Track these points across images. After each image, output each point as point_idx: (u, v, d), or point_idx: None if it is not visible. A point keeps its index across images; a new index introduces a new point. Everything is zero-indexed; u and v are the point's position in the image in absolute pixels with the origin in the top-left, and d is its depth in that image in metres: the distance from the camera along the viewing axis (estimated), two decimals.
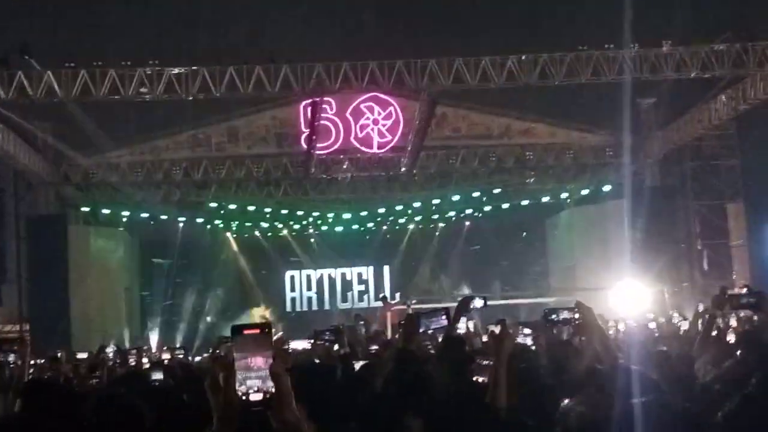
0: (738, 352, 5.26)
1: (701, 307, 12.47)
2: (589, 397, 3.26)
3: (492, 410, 4.27)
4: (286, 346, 10.33)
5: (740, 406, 3.37)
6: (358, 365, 6.48)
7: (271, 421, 2.52)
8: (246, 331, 2.56)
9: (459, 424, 4.17)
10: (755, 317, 6.98)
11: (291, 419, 2.52)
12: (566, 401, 3.33)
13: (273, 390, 2.51)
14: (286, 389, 2.53)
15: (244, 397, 2.51)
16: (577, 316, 5.27)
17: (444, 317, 6.32)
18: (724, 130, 24.55)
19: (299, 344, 10.00)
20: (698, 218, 25.84)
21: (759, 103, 21.55)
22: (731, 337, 7.01)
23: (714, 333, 6.45)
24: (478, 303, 6.56)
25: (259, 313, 25.99)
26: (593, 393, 3.38)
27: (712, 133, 24.56)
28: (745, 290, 5.47)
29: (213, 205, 26.83)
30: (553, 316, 5.83)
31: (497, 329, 5.38)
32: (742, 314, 8.41)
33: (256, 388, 2.51)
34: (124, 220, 26.71)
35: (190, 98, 22.15)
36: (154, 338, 25.89)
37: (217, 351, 9.98)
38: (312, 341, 9.01)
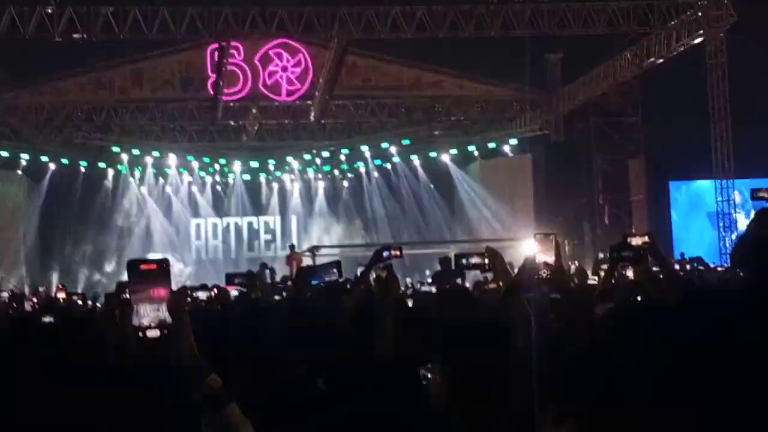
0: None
1: (601, 256, 12.78)
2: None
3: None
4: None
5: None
6: None
7: (169, 356, 2.48)
8: (143, 266, 2.51)
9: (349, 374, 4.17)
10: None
11: (188, 355, 2.49)
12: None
13: (170, 325, 2.46)
14: (183, 323, 2.48)
15: (140, 333, 2.46)
16: (486, 261, 5.33)
17: (335, 270, 6.35)
18: (627, 86, 25.02)
19: (202, 294, 9.84)
20: (601, 173, 26.38)
21: (662, 60, 22.00)
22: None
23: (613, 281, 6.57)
24: (393, 253, 6.57)
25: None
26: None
27: (616, 89, 25.00)
28: (646, 237, 5.55)
29: (116, 149, 26.23)
30: (464, 261, 5.87)
31: (383, 274, 5.43)
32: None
33: (154, 324, 2.47)
34: (24, 163, 25.91)
35: (93, 39, 21.57)
36: (53, 284, 25.32)
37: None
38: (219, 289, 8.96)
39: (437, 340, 3.77)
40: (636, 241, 5.38)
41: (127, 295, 2.57)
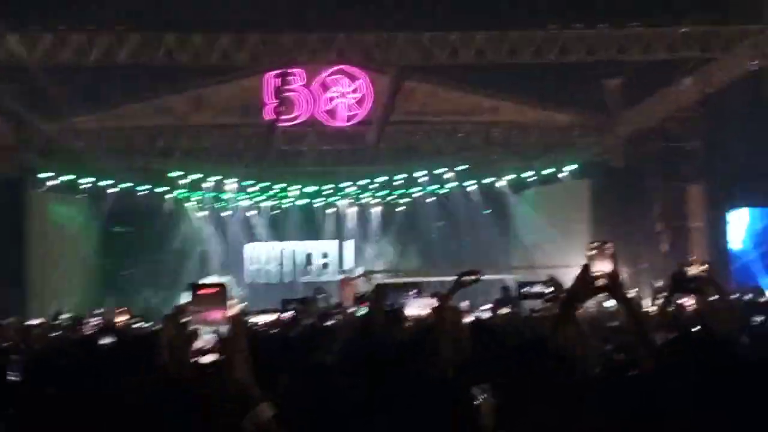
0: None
1: (659, 284, 12.62)
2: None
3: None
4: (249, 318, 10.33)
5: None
6: None
7: (221, 382, 2.50)
8: (201, 291, 2.55)
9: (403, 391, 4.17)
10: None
11: (240, 382, 2.50)
12: None
13: (225, 350, 2.49)
14: (239, 350, 2.50)
15: (193, 360, 2.49)
16: (550, 289, 5.30)
17: (415, 292, 6.37)
18: (689, 112, 24.70)
19: (265, 318, 9.89)
20: (660, 200, 26.05)
21: (724, 86, 21.71)
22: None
23: (670, 310, 6.48)
24: (471, 279, 6.70)
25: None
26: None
27: (677, 115, 24.71)
28: (705, 266, 5.48)
29: (175, 174, 26.60)
30: (526, 289, 5.84)
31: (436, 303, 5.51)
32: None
33: (208, 347, 2.50)
34: (85, 187, 26.37)
35: (156, 65, 21.94)
36: (111, 307, 25.65)
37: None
38: (278, 314, 9.07)
39: (489, 361, 3.76)
40: (693, 270, 5.28)
41: (186, 318, 2.61)
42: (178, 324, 2.50)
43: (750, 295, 13.83)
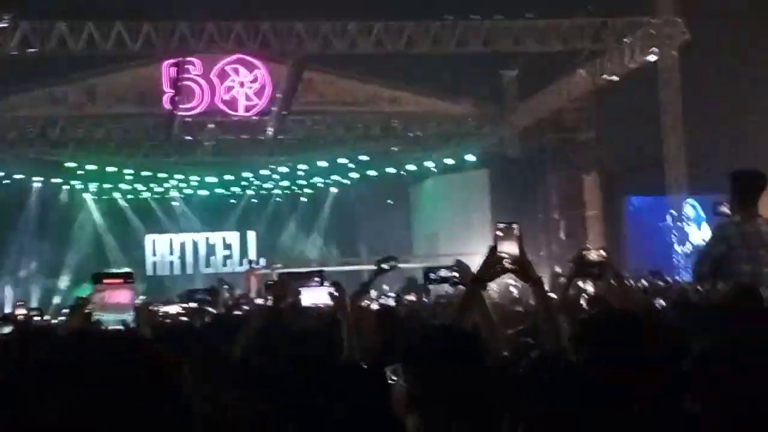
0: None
1: (557, 269, 12.94)
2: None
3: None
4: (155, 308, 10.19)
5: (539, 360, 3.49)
6: None
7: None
8: (106, 280, 2.51)
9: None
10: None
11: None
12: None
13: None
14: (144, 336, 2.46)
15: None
16: (455, 274, 5.35)
17: (317, 279, 6.39)
18: (582, 103, 25.29)
19: (171, 308, 9.74)
20: (556, 189, 26.60)
21: (616, 77, 22.30)
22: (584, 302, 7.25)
23: (572, 294, 6.64)
24: (391, 265, 6.85)
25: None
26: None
27: (571, 105, 25.27)
28: (602, 252, 5.63)
29: (71, 165, 25.96)
30: (432, 275, 5.90)
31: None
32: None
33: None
34: None
35: (47, 54, 21.37)
36: (8, 298, 24.97)
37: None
38: (184, 304, 8.95)
39: (401, 345, 3.80)
40: (593, 256, 5.41)
41: (89, 308, 2.57)
42: (82, 315, 2.46)
43: (648, 280, 14.28)
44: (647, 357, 3.13)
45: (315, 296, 6.70)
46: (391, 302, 11.24)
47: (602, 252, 5.67)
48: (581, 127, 26.15)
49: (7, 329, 6.38)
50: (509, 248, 3.89)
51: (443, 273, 5.53)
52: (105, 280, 2.45)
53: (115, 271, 2.99)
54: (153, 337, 2.55)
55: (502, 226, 3.92)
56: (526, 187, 25.98)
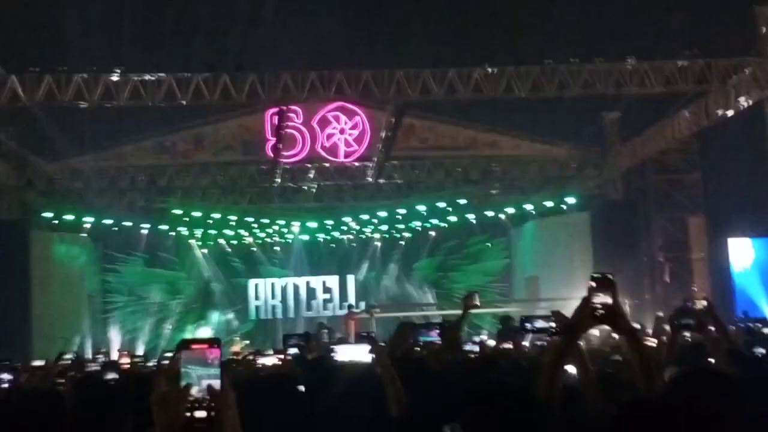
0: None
1: (660, 314, 12.70)
2: None
3: None
4: (251, 358, 10.34)
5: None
6: None
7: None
8: (194, 346, 2.54)
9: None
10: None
11: None
12: None
13: (216, 409, 2.47)
14: (229, 407, 2.48)
15: (188, 414, 2.47)
16: (552, 324, 5.31)
17: (437, 333, 6.39)
18: (686, 144, 24.87)
19: (268, 360, 9.81)
20: (660, 231, 26.13)
21: (720, 118, 21.87)
22: None
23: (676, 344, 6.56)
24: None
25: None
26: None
27: (674, 147, 24.88)
28: (704, 302, 5.57)
29: (177, 212, 26.72)
30: (528, 325, 5.85)
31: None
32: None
33: (202, 395, 2.48)
34: (88, 226, 26.47)
35: (156, 105, 22.11)
36: (115, 345, 25.70)
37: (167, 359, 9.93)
38: (282, 355, 9.06)
39: (457, 400, 3.78)
40: (697, 305, 5.35)
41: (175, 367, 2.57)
42: (171, 377, 2.50)
43: (755, 325, 13.84)
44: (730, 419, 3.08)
45: (351, 352, 6.50)
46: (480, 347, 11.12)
47: (704, 302, 5.62)
48: (685, 168, 25.71)
49: (111, 375, 6.63)
50: (603, 298, 3.88)
51: (540, 324, 5.50)
52: (192, 346, 2.50)
53: (201, 337, 3.08)
54: (243, 390, 2.59)
55: (596, 276, 3.91)
56: (629, 230, 25.53)
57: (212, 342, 2.54)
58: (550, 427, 3.21)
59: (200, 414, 2.45)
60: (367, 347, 5.71)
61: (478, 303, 7.14)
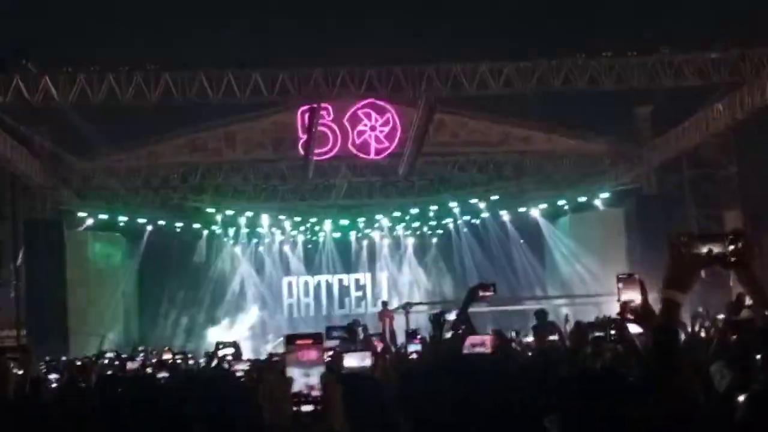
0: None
1: (699, 309, 12.53)
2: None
3: None
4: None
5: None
6: None
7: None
8: (299, 341, 2.64)
9: None
10: None
11: (338, 429, 2.55)
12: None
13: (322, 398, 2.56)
14: (335, 399, 2.54)
15: (295, 408, 2.57)
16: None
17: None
18: (721, 138, 24.58)
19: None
20: (696, 226, 25.85)
21: (756, 111, 21.59)
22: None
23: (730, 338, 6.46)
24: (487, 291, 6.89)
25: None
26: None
27: (709, 141, 24.59)
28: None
29: (210, 210, 26.84)
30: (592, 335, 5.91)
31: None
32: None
33: (305, 391, 2.56)
34: (122, 224, 26.67)
35: (188, 103, 22.25)
36: (152, 342, 25.86)
37: (215, 357, 9.98)
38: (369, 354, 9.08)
39: (554, 391, 3.77)
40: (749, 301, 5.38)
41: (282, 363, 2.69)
42: (277, 372, 2.58)
43: None
44: None
45: (356, 359, 6.39)
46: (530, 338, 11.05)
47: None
48: (721, 162, 25.41)
49: (163, 374, 6.72)
50: (632, 296, 4.00)
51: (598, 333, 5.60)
52: (297, 341, 2.61)
53: (305, 332, 3.12)
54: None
55: (622, 276, 4.03)
56: (664, 225, 25.26)
57: (315, 337, 2.66)
58: (657, 413, 3.16)
59: (307, 408, 2.55)
60: (365, 354, 5.73)
61: (489, 293, 7.17)
